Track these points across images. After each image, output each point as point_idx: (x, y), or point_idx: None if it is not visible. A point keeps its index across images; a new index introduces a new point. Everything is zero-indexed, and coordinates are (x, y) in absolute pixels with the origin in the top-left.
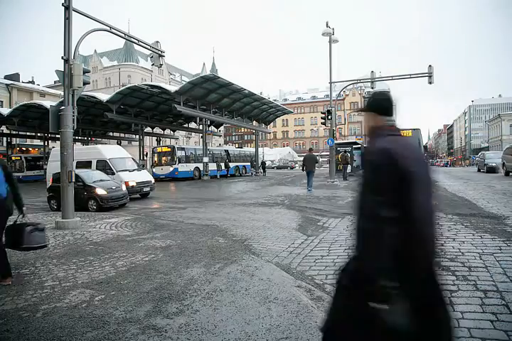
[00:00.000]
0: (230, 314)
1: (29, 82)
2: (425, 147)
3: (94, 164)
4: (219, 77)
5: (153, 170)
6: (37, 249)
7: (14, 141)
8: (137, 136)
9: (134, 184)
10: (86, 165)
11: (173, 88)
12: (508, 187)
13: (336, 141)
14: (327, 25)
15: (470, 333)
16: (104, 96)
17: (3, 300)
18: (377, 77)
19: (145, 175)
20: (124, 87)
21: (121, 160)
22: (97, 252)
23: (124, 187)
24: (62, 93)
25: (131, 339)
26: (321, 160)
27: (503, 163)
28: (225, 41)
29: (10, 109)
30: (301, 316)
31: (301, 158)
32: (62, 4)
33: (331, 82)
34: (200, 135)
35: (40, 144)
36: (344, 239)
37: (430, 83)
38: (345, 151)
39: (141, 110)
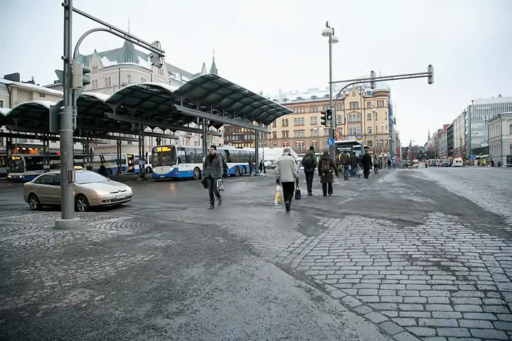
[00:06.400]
0: (230, 314)
1: (29, 82)
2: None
3: None
4: (219, 77)
5: (154, 170)
6: None
7: (14, 140)
8: (137, 136)
9: None
10: None
11: (173, 88)
12: (508, 187)
13: (335, 141)
14: (327, 25)
15: (470, 333)
16: (104, 96)
17: (3, 300)
18: (377, 76)
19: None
20: (123, 87)
21: None
22: (97, 252)
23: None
24: (62, 93)
25: (131, 339)
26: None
27: None
28: (225, 41)
29: (10, 109)
30: (301, 316)
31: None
32: (62, 4)
33: (330, 82)
34: (200, 135)
35: (40, 144)
36: (344, 239)
37: (430, 83)
38: (345, 151)
39: (141, 110)
